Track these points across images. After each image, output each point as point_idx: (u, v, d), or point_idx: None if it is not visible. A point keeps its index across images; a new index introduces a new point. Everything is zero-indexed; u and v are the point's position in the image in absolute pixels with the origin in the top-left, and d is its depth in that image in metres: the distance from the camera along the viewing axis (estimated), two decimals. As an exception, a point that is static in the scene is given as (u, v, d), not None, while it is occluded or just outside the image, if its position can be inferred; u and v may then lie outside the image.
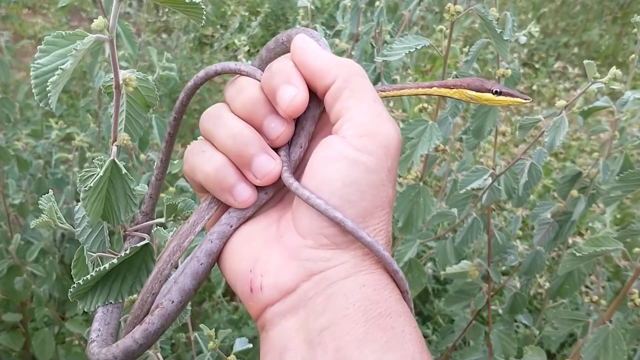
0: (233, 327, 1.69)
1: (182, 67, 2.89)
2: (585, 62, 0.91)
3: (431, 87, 0.61)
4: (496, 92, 0.59)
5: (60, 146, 2.00)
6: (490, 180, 1.10)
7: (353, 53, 1.45)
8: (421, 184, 1.09)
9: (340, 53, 1.50)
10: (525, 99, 0.59)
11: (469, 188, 1.08)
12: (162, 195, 1.40)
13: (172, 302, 0.49)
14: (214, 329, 0.76)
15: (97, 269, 0.52)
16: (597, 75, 0.92)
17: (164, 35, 3.47)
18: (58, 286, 1.63)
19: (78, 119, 2.37)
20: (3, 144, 1.61)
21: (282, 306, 0.46)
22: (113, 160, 0.50)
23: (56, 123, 1.78)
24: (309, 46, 0.49)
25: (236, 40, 1.35)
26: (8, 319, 1.66)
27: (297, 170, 0.52)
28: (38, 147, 1.83)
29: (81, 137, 1.68)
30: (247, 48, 1.37)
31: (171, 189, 1.25)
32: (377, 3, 1.35)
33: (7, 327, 1.72)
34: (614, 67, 0.91)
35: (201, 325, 0.76)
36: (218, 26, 3.75)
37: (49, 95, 0.45)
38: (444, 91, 0.60)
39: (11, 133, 1.78)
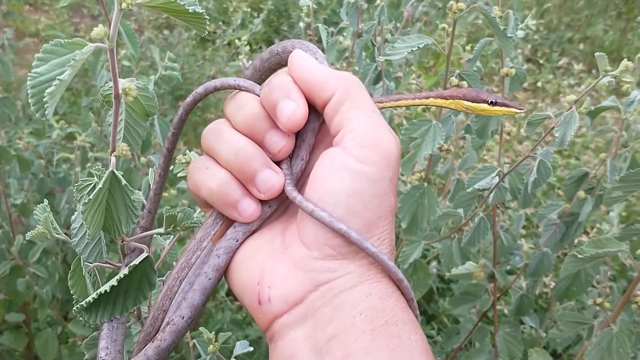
0: (237, 328, 1.69)
1: (184, 65, 2.88)
2: (596, 54, 0.90)
3: (427, 98, 0.62)
4: (491, 102, 0.60)
5: (62, 145, 1.99)
6: (497, 179, 1.08)
7: (355, 50, 1.44)
8: (425, 184, 1.08)
9: (342, 51, 1.48)
10: (520, 109, 0.61)
11: (476, 187, 1.06)
12: (165, 194, 1.40)
13: (183, 318, 0.50)
14: (213, 332, 0.75)
15: (99, 291, 0.51)
16: (608, 68, 0.90)
17: (166, 32, 3.45)
18: (60, 287, 1.63)
19: (80, 117, 2.36)
20: (4, 143, 1.60)
21: (290, 317, 0.46)
22: (112, 172, 0.50)
23: (57, 122, 1.77)
24: (306, 61, 0.50)
25: (236, 40, 1.33)
26: (11, 319, 1.66)
27: (299, 182, 0.53)
28: (39, 147, 1.83)
29: (83, 137, 1.67)
30: (247, 48, 1.35)
31: (172, 191, 1.24)
32: (377, 1, 1.33)
33: (10, 327, 1.73)
34: (625, 60, 0.90)
35: (201, 329, 0.75)
36: (220, 22, 3.73)
37: (45, 106, 0.44)
38: (440, 102, 0.62)
39: (13, 132, 1.78)
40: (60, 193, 1.76)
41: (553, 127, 0.96)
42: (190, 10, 0.46)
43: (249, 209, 0.51)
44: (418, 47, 0.93)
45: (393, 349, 0.43)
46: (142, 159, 1.32)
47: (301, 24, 1.50)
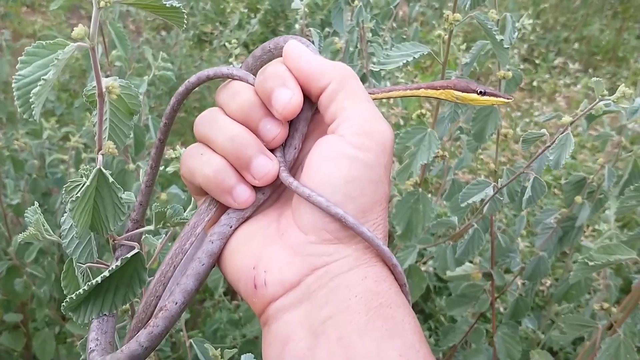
0: (234, 327, 1.69)
1: (181, 65, 2.88)
2: (593, 79, 0.90)
3: (419, 89, 0.63)
4: (481, 92, 0.62)
5: (59, 145, 1.99)
6: (492, 192, 1.08)
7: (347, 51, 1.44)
8: (420, 190, 1.07)
9: (336, 52, 1.49)
10: (508, 99, 0.63)
11: (470, 202, 1.06)
12: (163, 196, 1.40)
13: (176, 303, 0.50)
14: (219, 350, 0.75)
15: (89, 283, 0.51)
16: (605, 92, 0.90)
17: (164, 33, 3.45)
18: (58, 286, 1.63)
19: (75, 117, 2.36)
20: (1, 143, 1.61)
21: (286, 300, 0.47)
22: (99, 170, 0.50)
23: (48, 122, 1.77)
24: (302, 51, 0.51)
25: (227, 43, 1.31)
26: (9, 319, 1.67)
27: (291, 170, 0.53)
28: (33, 147, 1.83)
29: (76, 138, 1.67)
30: (237, 51, 1.34)
31: (163, 196, 1.24)
32: (355, 2, 1.33)
33: (8, 327, 1.73)
34: (622, 86, 0.89)
35: (206, 345, 0.75)
36: (217, 23, 3.73)
37: (32, 106, 0.44)
38: (431, 92, 0.63)
39: (10, 133, 1.78)
40: (57, 193, 1.77)
41: (548, 146, 0.96)
42: (167, 5, 0.47)
43: (244, 195, 0.51)
44: (414, 57, 0.91)
45: (387, 329, 0.44)
46: (131, 166, 1.32)
47: (297, 26, 1.50)
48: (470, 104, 0.66)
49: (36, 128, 1.99)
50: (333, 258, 0.47)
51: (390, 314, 0.45)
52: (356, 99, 0.49)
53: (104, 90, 0.50)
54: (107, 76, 0.52)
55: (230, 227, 0.52)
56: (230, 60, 1.31)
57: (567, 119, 0.95)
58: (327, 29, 1.73)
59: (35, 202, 0.57)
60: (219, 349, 0.75)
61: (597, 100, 0.92)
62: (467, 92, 0.62)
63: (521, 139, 0.97)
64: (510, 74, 1.05)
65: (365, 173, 0.48)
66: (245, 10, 3.21)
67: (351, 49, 1.40)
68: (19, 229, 1.72)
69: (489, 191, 1.07)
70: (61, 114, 2.36)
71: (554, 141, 0.94)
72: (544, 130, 0.96)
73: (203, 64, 3.11)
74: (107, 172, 0.50)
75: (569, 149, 0.93)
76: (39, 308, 1.61)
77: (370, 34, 1.37)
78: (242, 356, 0.71)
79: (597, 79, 0.90)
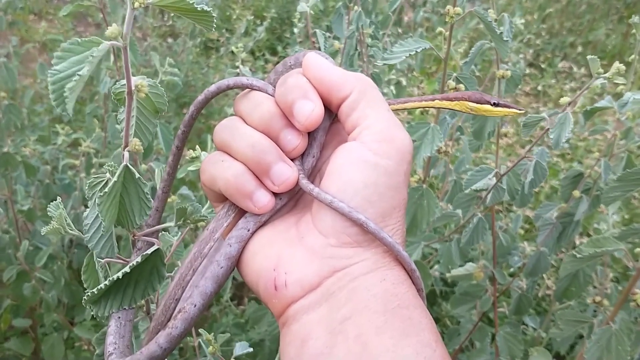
0: (240, 331, 1.70)
1: (188, 72, 2.90)
2: (588, 57, 0.93)
3: (434, 100, 0.65)
4: (494, 103, 0.64)
5: (67, 152, 2.01)
6: (494, 180, 1.10)
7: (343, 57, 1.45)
8: (424, 186, 1.09)
9: (334, 53, 1.50)
10: (520, 110, 0.65)
11: (473, 188, 1.08)
12: (172, 197, 1.41)
13: (195, 305, 0.51)
14: (212, 334, 0.76)
15: (111, 278, 0.52)
16: (601, 70, 0.92)
17: (170, 40, 3.47)
18: (66, 291, 1.65)
19: (85, 124, 2.38)
20: (11, 150, 1.62)
21: (306, 302, 0.48)
22: (126, 166, 0.52)
23: (62, 129, 1.79)
24: (323, 62, 0.52)
25: (233, 48, 1.32)
26: (18, 324, 1.68)
27: (309, 178, 0.55)
28: (45, 153, 1.85)
29: (87, 143, 1.69)
30: (244, 54, 1.34)
31: (173, 197, 1.25)
32: (355, 7, 1.35)
33: (17, 332, 1.74)
34: (617, 62, 0.92)
35: (200, 330, 0.76)
36: (223, 30, 3.75)
37: (66, 101, 0.46)
38: (446, 103, 0.65)
39: (19, 139, 1.80)
40: (66, 199, 1.78)
41: (548, 129, 0.98)
42: (198, 9, 0.48)
43: (264, 199, 0.52)
44: (416, 51, 0.94)
45: (404, 329, 0.45)
46: (143, 166, 1.33)
47: (296, 30, 1.52)
48: (484, 115, 0.68)
49: (45, 135, 2.01)
50: (353, 261, 0.48)
51: (408, 315, 0.46)
52: (377, 108, 0.51)
53: (133, 88, 0.52)
54: (116, 82, 0.53)
55: (248, 230, 0.53)
56: (237, 64, 1.32)
57: (565, 99, 0.97)
58: (329, 34, 1.74)
59: (58, 197, 0.59)
60: (212, 334, 0.76)
61: (594, 78, 0.94)
62: (481, 104, 0.63)
63: (522, 123, 0.99)
64: (509, 73, 1.06)
65: (385, 179, 0.49)
66: (252, 17, 3.22)
67: (351, 52, 1.41)
68: (27, 234, 1.73)
69: (491, 177, 1.08)
70: (69, 120, 2.38)
71: (554, 122, 0.96)
72: (544, 114, 0.98)
73: (210, 70, 3.12)
74: (133, 168, 0.52)
75: (568, 127, 0.94)
76: (48, 313, 1.63)
77: (370, 39, 1.38)
78: (236, 344, 0.72)
79: (593, 57, 0.92)
